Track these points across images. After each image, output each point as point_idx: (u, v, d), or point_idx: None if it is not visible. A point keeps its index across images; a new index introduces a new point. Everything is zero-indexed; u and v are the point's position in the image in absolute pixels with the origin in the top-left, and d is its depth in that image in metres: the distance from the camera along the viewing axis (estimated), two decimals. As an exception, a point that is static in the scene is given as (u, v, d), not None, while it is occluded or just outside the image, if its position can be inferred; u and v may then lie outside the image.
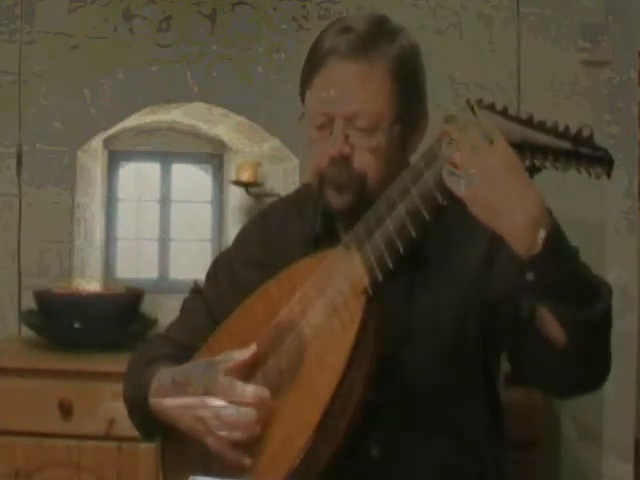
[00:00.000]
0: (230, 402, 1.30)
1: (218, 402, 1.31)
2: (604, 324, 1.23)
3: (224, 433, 1.30)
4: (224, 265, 1.60)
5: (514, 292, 1.28)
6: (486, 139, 1.15)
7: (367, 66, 1.36)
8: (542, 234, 1.14)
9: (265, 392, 1.30)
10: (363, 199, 1.35)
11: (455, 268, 1.41)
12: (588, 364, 1.28)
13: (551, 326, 1.23)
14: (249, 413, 1.29)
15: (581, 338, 1.22)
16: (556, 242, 1.16)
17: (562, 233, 1.18)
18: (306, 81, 1.42)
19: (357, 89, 1.36)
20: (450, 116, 1.19)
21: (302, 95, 1.44)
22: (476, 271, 1.40)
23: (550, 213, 1.17)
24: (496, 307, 1.36)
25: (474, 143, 1.16)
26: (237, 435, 1.29)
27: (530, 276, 1.16)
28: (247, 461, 1.30)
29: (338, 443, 1.24)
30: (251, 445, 1.30)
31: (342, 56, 1.36)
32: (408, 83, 1.39)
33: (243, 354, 1.33)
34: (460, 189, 1.16)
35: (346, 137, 1.36)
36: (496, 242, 1.24)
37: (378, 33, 1.38)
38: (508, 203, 1.15)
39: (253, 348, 1.33)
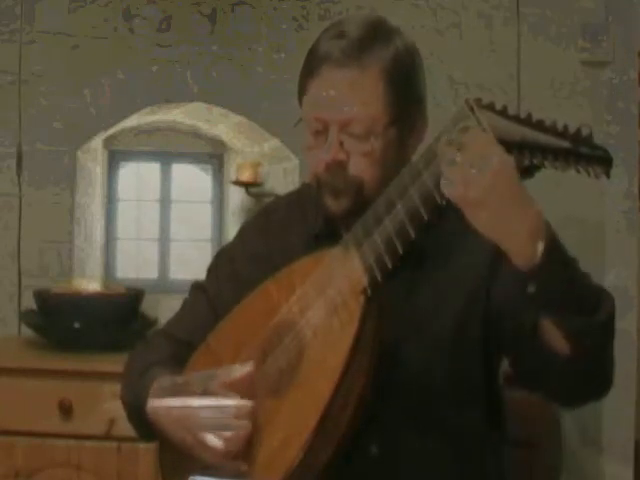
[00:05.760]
0: (225, 413, 1.30)
1: (208, 413, 1.30)
2: (607, 332, 1.24)
3: (220, 445, 1.30)
4: (225, 260, 1.60)
5: (515, 308, 1.28)
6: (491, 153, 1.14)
7: (359, 72, 1.35)
8: (541, 246, 1.15)
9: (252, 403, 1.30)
10: (360, 204, 1.35)
11: (456, 269, 1.41)
12: (590, 374, 1.28)
13: (554, 338, 1.23)
14: (245, 425, 1.29)
15: (584, 347, 1.22)
16: (555, 253, 1.16)
17: (560, 244, 1.19)
18: (302, 87, 1.42)
19: (350, 96, 1.35)
20: (465, 127, 1.16)
21: (300, 100, 1.44)
22: (479, 274, 1.40)
23: (548, 225, 1.17)
24: (498, 324, 1.36)
25: (480, 154, 1.14)
26: (233, 446, 1.29)
27: (531, 288, 1.17)
28: (244, 467, 1.29)
29: (337, 442, 1.24)
30: (250, 446, 1.30)
31: (335, 63, 1.36)
32: (404, 85, 1.39)
33: (242, 370, 1.32)
34: (459, 195, 1.15)
35: (341, 143, 1.36)
36: (499, 256, 1.24)
37: (372, 37, 1.37)
38: (508, 215, 1.15)
39: (250, 367, 1.33)
